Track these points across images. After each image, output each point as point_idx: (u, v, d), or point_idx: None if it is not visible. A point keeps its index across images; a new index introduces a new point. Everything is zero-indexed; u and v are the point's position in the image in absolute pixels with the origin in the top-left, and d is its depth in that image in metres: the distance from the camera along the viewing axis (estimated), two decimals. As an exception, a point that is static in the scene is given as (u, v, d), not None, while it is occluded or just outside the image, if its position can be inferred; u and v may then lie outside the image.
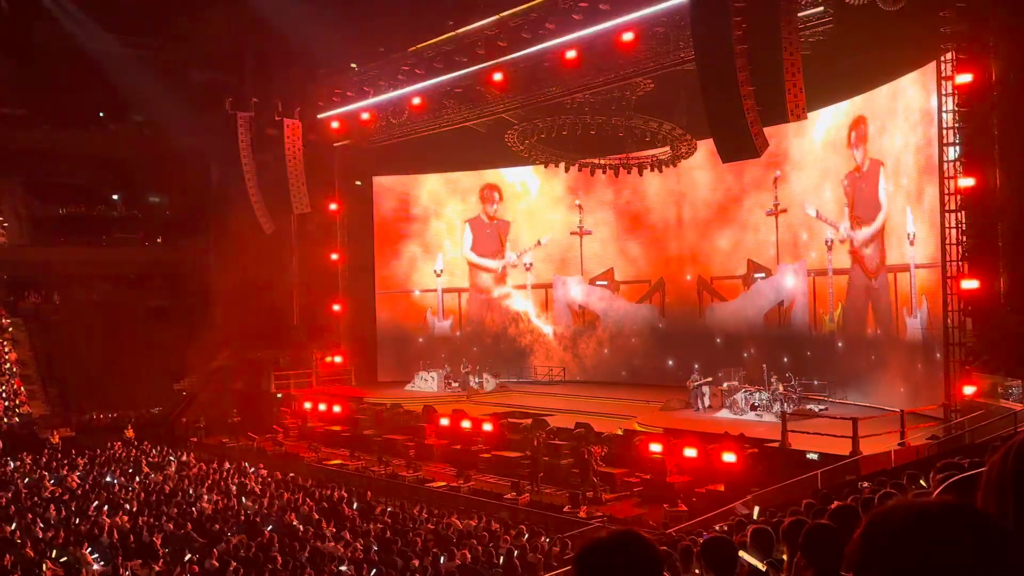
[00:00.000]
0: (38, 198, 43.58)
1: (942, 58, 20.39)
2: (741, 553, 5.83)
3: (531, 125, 28.78)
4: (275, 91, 35.29)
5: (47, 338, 38.91)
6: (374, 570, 14.83)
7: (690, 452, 20.82)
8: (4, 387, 35.31)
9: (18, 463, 27.28)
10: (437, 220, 37.13)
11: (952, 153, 20.35)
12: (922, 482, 9.97)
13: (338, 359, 36.43)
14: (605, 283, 34.78)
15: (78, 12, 34.93)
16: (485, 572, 14.68)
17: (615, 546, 2.06)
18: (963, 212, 20.18)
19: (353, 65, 32.66)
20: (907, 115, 22.93)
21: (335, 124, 34.43)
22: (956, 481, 3.58)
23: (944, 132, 20.44)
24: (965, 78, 19.67)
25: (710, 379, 26.17)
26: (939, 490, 3.57)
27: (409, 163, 35.97)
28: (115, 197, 46.51)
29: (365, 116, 32.94)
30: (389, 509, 20.71)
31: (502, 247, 36.63)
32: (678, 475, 20.80)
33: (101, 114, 45.32)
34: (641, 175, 29.67)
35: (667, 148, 27.86)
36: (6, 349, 37.45)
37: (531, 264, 36.24)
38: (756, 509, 17.07)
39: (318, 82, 34.61)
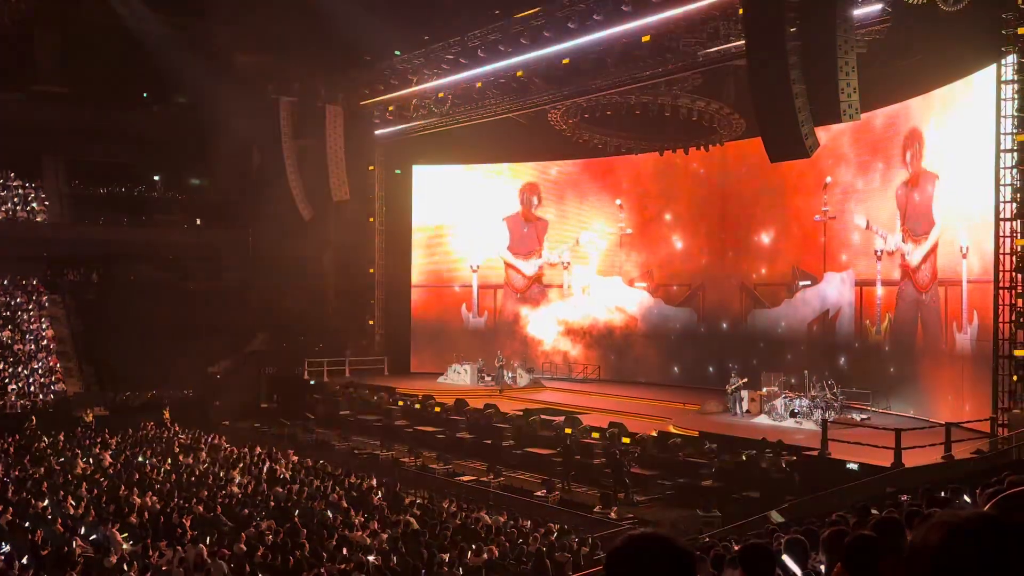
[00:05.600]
0: (79, 177, 43.72)
1: (1003, 61, 19.77)
2: (784, 557, 5.76)
3: (575, 104, 28.52)
4: (318, 77, 35.19)
5: (84, 317, 39.09)
6: (394, 557, 14.62)
7: (723, 457, 20.43)
8: (40, 364, 35.55)
9: (51, 440, 27.41)
10: (476, 212, 36.84)
11: (1009, 159, 19.73)
12: (966, 497, 9.58)
13: (376, 336, 36.42)
14: (644, 285, 34.30)
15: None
16: (512, 569, 14.39)
17: (646, 548, 1.99)
18: (1018, 221, 19.58)
19: (397, 52, 32.48)
20: (964, 119, 22.23)
21: (376, 112, 34.28)
22: (1006, 496, 3.29)
23: (1002, 137, 19.82)
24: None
25: (746, 379, 25.63)
26: (989, 505, 3.34)
27: (450, 153, 35.75)
28: (156, 178, 46.67)
29: (407, 104, 32.77)
30: (418, 501, 20.51)
31: (539, 246, 36.25)
32: (712, 480, 20.39)
33: (145, 94, 45.46)
34: (687, 153, 29.52)
35: (714, 128, 27.48)
36: (43, 326, 37.70)
37: (568, 263, 35.85)
38: (775, 514, 16.71)
39: (361, 69, 34.47)
